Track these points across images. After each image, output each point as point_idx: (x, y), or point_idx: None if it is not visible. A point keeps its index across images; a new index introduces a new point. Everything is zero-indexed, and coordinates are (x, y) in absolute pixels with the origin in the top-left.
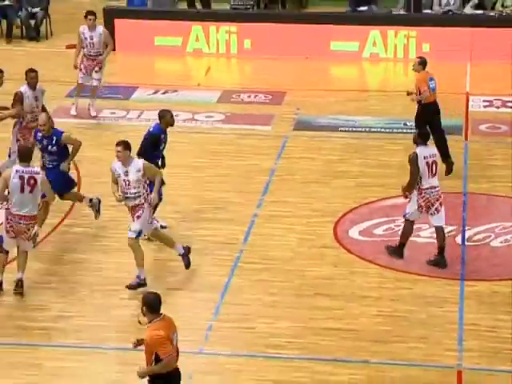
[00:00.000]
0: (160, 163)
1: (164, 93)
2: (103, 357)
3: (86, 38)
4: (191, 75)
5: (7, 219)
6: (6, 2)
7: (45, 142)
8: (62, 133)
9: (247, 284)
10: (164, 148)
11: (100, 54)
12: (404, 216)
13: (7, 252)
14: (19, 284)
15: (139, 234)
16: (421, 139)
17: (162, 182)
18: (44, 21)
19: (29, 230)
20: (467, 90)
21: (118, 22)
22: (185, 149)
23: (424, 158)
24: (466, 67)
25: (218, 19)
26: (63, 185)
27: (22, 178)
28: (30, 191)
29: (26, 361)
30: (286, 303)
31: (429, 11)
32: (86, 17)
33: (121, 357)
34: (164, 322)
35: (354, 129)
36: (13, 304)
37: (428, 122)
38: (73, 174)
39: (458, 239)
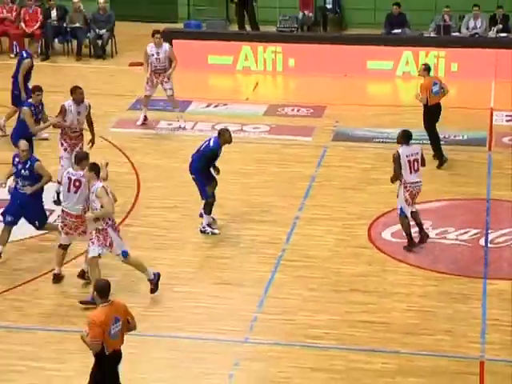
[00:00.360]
0: (213, 171)
1: (216, 106)
2: (158, 343)
3: (152, 55)
4: (240, 90)
5: (61, 216)
6: (77, 25)
7: (19, 166)
8: (37, 160)
9: (289, 280)
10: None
11: (165, 69)
12: (400, 214)
13: (65, 247)
14: (80, 274)
15: (125, 253)
16: (404, 139)
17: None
18: (109, 41)
19: (76, 227)
20: (491, 106)
21: (175, 43)
22: (234, 157)
23: (406, 156)
24: (491, 85)
25: (266, 40)
26: (38, 214)
27: (69, 178)
28: (75, 192)
29: None
30: (324, 298)
31: (457, 34)
32: (153, 35)
33: (174, 343)
34: (111, 307)
35: (386, 140)
36: (78, 295)
37: (434, 121)
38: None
39: (482, 241)
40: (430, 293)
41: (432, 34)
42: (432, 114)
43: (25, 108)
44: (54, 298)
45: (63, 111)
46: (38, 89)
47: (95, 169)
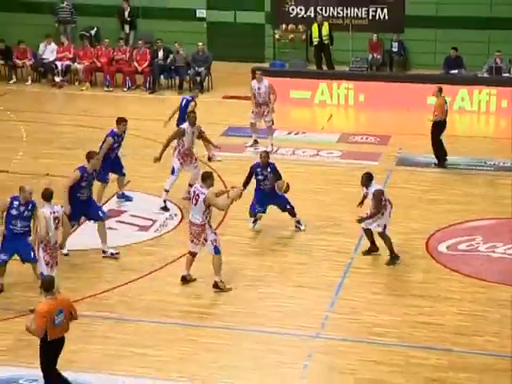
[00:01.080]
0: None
1: (296, 134)
2: (244, 336)
3: (255, 90)
4: (317, 121)
5: (189, 225)
6: (180, 64)
7: (21, 208)
8: (36, 202)
9: (356, 284)
10: (263, 179)
11: (266, 102)
12: (382, 234)
13: (193, 254)
14: (214, 284)
15: (42, 275)
16: (370, 181)
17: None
18: (206, 77)
19: (199, 234)
20: None
21: None
22: (310, 178)
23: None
24: None
25: (340, 78)
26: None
27: (194, 192)
28: (195, 204)
29: (185, 337)
30: (386, 301)
31: (507, 75)
32: (254, 72)
33: (258, 337)
34: (54, 301)
35: (443, 165)
36: (178, 293)
37: (440, 134)
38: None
39: None
40: (480, 299)
41: (485, 75)
42: (440, 127)
43: (109, 138)
44: (154, 294)
45: (181, 133)
46: (124, 120)
47: (43, 194)
